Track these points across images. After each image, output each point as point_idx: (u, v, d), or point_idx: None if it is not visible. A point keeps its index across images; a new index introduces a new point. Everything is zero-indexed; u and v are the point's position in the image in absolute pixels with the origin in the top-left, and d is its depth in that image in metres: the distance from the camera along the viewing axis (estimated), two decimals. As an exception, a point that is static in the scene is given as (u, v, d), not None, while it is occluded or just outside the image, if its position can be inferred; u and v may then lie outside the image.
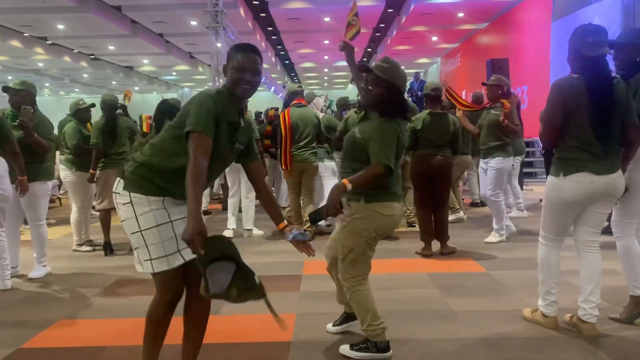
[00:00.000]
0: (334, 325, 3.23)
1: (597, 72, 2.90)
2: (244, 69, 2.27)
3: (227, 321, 3.51)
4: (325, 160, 6.35)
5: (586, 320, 3.05)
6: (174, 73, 29.92)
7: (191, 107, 2.22)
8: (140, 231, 2.27)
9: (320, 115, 6.54)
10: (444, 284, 4.14)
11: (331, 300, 3.77)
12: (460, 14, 18.35)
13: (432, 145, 5.02)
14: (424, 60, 27.91)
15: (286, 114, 5.84)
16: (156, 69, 28.30)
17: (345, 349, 2.88)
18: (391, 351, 2.81)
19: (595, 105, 2.86)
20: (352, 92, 29.56)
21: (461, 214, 6.94)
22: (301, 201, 6.20)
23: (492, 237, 5.64)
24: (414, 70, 31.91)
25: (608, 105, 2.89)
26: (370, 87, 2.74)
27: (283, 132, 5.80)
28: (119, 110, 5.68)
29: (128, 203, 2.29)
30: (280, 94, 23.13)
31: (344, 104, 7.46)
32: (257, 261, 5.03)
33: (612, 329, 3.13)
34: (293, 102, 6.00)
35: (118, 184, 2.35)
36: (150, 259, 2.28)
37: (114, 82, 31.17)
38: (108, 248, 5.42)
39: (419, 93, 13.34)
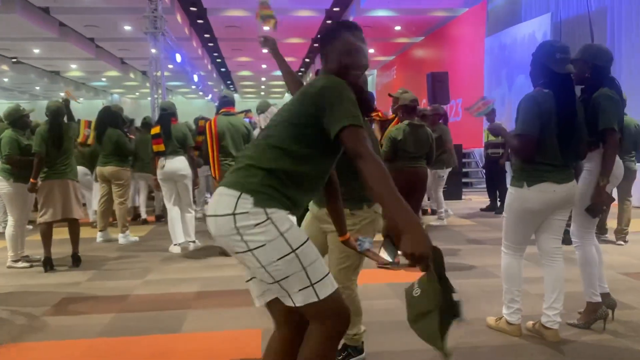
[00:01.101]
0: None
1: (566, 89, 3.02)
2: (356, 51, 1.99)
3: (190, 340, 3.35)
4: None
5: (549, 326, 3.14)
6: (104, 79, 28.79)
7: (330, 100, 1.81)
8: (294, 251, 1.81)
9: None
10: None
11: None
12: (397, 28, 18.84)
13: (411, 156, 5.03)
14: (360, 71, 28.35)
15: (212, 123, 5.60)
16: (84, 75, 27.11)
17: None
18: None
19: (563, 121, 2.98)
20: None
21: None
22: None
23: None
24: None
25: (573, 121, 3.02)
26: None
27: (209, 142, 5.54)
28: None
29: (266, 221, 1.79)
30: (217, 102, 22.75)
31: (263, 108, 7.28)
32: (212, 276, 4.89)
33: (571, 335, 3.24)
34: (221, 110, 5.81)
35: (239, 202, 1.79)
36: (312, 285, 1.82)
37: (37, 88, 29.61)
38: (49, 264, 5.09)
39: None
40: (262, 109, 6.43)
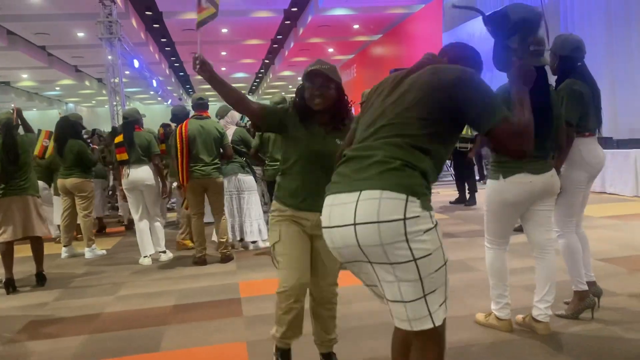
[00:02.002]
0: None
1: (538, 82, 2.98)
2: None
3: (170, 359, 3.18)
4: (240, 175, 6.08)
5: (541, 320, 3.11)
6: (58, 88, 27.89)
7: (475, 94, 1.76)
8: (445, 263, 1.72)
9: (231, 129, 6.24)
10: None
11: (282, 323, 3.57)
12: (356, 26, 18.86)
13: None
14: (320, 71, 28.33)
15: (183, 127, 5.42)
16: (37, 84, 26.21)
17: None
18: None
19: (537, 112, 2.94)
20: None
21: None
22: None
23: None
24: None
25: (548, 112, 3.00)
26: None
27: (178, 146, 5.35)
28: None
29: (434, 228, 1.68)
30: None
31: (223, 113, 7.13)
32: (188, 287, 4.70)
33: (561, 326, 3.22)
34: (193, 114, 5.65)
35: (408, 206, 1.62)
36: (445, 301, 1.75)
37: (-14, 100, 28.43)
38: (11, 285, 4.79)
39: None
40: (222, 113, 6.23)
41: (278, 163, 5.36)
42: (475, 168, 10.61)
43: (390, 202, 1.63)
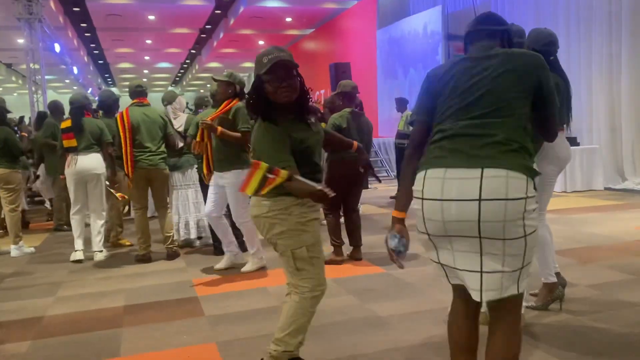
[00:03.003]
0: None
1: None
2: None
3: (137, 363, 2.92)
4: (197, 167, 5.79)
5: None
6: (-39, 74, 25.69)
7: (550, 81, 1.94)
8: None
9: (181, 116, 5.94)
10: (354, 288, 4.01)
11: (247, 322, 3.41)
12: (288, 19, 18.71)
13: None
14: (248, 64, 27.91)
15: (124, 115, 5.08)
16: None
17: None
18: None
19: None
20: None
21: None
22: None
23: (251, 266, 4.69)
24: (241, 74, 31.81)
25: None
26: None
27: (122, 135, 5.02)
28: None
29: (537, 207, 1.84)
30: (97, 97, 21.19)
31: (199, 103, 6.86)
32: (137, 286, 4.39)
33: (532, 318, 3.26)
34: (133, 101, 5.32)
35: (528, 186, 1.76)
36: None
37: None
38: None
39: None
40: (170, 99, 5.89)
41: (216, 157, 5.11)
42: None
43: (516, 182, 1.75)
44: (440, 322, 3.26)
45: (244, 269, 4.66)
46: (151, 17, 17.62)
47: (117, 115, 5.22)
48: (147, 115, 5.15)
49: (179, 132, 5.56)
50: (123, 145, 5.03)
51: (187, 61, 28.02)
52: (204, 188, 5.35)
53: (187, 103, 7.54)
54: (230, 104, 4.51)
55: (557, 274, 3.50)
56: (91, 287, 4.42)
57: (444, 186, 1.80)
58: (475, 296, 1.86)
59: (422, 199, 1.86)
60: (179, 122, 5.70)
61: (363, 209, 7.72)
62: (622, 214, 6.47)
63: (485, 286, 1.84)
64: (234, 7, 17.95)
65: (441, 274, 2.01)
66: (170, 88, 34.98)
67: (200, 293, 4.12)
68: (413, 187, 1.92)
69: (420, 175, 1.89)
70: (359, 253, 4.98)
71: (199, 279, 4.50)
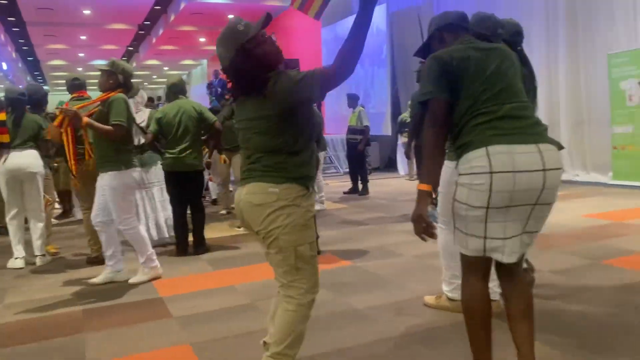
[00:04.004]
0: None
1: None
2: None
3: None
4: (154, 168, 5.54)
5: (492, 298, 3.15)
6: None
7: None
8: None
9: (143, 111, 5.66)
10: (326, 283, 3.92)
11: (220, 322, 3.28)
12: (231, 16, 18.36)
13: None
14: (189, 61, 27.31)
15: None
16: None
17: None
18: None
19: None
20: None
21: None
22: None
23: (141, 276, 4.26)
24: (179, 72, 31.11)
25: None
26: None
27: (63, 132, 4.70)
28: None
29: None
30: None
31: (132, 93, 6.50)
32: (91, 290, 4.14)
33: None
34: (73, 95, 5.02)
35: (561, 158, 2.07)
36: None
37: None
38: None
39: (219, 90, 12.90)
40: (133, 93, 5.60)
41: (177, 151, 4.94)
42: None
43: (558, 154, 2.06)
44: (418, 312, 3.26)
45: (133, 280, 4.20)
46: (86, 12, 16.86)
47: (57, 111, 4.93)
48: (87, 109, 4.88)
49: (140, 128, 5.30)
50: (65, 142, 4.72)
51: (124, 58, 27.03)
52: (168, 185, 5.15)
53: (159, 98, 7.24)
54: (109, 95, 4.07)
55: (526, 260, 3.57)
56: (41, 293, 4.12)
57: (515, 159, 1.96)
58: (510, 259, 2.06)
59: (492, 172, 1.96)
60: (141, 117, 5.42)
61: (326, 205, 7.68)
62: (569, 204, 6.73)
63: (520, 247, 2.08)
64: (175, 3, 17.47)
65: (472, 248, 2.08)
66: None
67: (163, 294, 3.93)
68: (472, 164, 2.00)
69: (479, 153, 1.99)
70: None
71: (159, 281, 4.30)
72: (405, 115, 10.14)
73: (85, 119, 3.98)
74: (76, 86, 5.04)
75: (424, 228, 2.09)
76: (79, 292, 4.07)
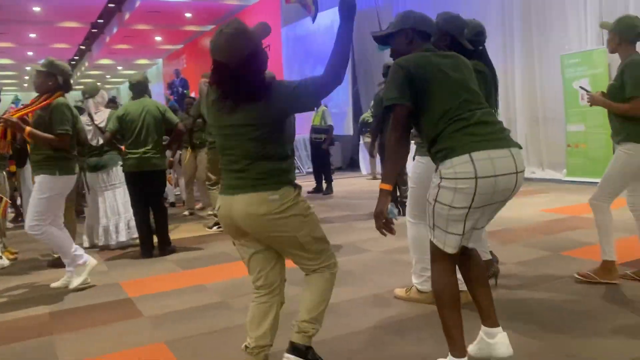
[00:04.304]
0: None
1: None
2: None
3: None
4: (114, 169, 5.43)
5: (460, 289, 3.26)
6: None
7: None
8: None
9: (103, 111, 5.52)
10: (295, 279, 3.90)
11: (193, 320, 3.27)
12: (188, 14, 18.13)
13: None
14: (143, 61, 26.75)
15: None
16: None
17: None
18: None
19: None
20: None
21: None
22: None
23: (77, 278, 4.03)
24: (134, 72, 30.43)
25: None
26: None
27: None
28: None
29: None
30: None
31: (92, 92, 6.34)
32: (56, 292, 4.05)
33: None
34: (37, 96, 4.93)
35: None
36: None
37: None
38: None
39: (180, 89, 12.68)
40: (91, 92, 5.46)
41: (141, 151, 4.87)
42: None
43: (522, 157, 2.28)
44: (388, 305, 3.32)
45: (73, 285, 3.99)
46: (36, 9, 16.27)
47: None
48: None
49: (99, 128, 5.19)
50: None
51: (75, 57, 26.25)
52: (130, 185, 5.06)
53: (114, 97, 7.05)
54: (50, 99, 3.91)
55: (491, 252, 3.70)
56: (3, 297, 3.99)
57: (495, 164, 2.13)
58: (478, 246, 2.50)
59: (477, 177, 2.10)
60: (101, 117, 5.28)
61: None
62: (528, 200, 6.97)
63: (476, 237, 2.45)
64: (130, 1, 17.07)
65: (452, 245, 2.23)
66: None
67: (132, 294, 3.87)
68: (456, 170, 2.13)
69: (464, 159, 2.12)
70: None
71: (127, 281, 4.23)
72: (367, 115, 10.27)
73: (28, 129, 3.85)
74: None
75: (384, 224, 2.23)
76: (43, 295, 3.96)
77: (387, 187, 2.25)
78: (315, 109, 9.01)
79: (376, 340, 2.81)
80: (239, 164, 2.19)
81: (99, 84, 6.49)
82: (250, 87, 2.14)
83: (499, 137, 2.20)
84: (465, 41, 3.11)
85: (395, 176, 2.34)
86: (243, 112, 2.16)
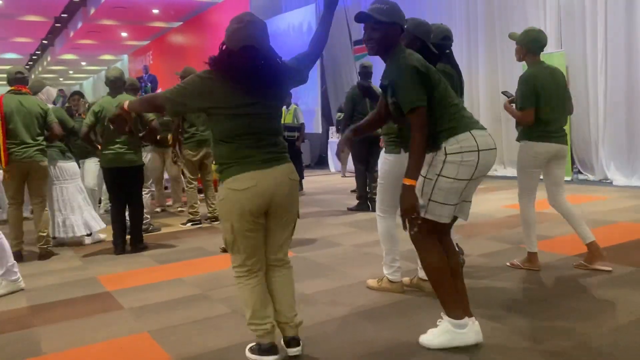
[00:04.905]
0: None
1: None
2: None
3: (69, 358, 2.77)
4: (60, 162, 5.41)
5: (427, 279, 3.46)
6: None
7: None
8: None
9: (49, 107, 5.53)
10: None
11: (174, 311, 3.39)
12: (155, 10, 17.97)
13: None
14: (108, 56, 26.32)
15: None
16: None
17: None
18: (278, 355, 2.53)
19: None
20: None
21: None
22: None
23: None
24: (98, 67, 29.91)
25: None
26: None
27: None
28: None
29: None
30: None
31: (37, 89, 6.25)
32: (37, 285, 4.10)
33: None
34: (11, 89, 4.95)
35: None
36: None
37: None
38: None
39: (149, 84, 12.59)
40: (36, 89, 5.40)
41: (117, 147, 4.93)
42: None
43: None
44: (360, 294, 3.50)
45: None
46: (-1, 2, 15.91)
47: None
48: (22, 104, 4.86)
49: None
50: None
51: (37, 52, 25.65)
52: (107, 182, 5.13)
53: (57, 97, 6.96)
54: None
55: (457, 245, 3.92)
56: (-21, 292, 4.01)
57: (487, 140, 2.54)
58: (465, 217, 2.73)
59: (479, 150, 2.48)
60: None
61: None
62: (490, 196, 7.28)
63: (467, 210, 2.72)
64: (95, -5, 16.85)
65: (447, 215, 2.54)
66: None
67: (110, 288, 3.95)
68: (461, 144, 2.49)
69: (467, 135, 2.50)
70: None
71: (105, 275, 4.30)
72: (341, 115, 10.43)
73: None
74: (19, 80, 4.99)
75: (414, 218, 2.45)
76: (19, 291, 4.00)
77: (413, 182, 2.44)
78: (286, 107, 9.15)
79: (351, 327, 2.98)
80: (268, 140, 2.44)
81: (61, 79, 6.46)
82: (279, 68, 2.45)
83: (478, 121, 2.63)
84: (431, 46, 3.31)
85: (419, 172, 2.53)
86: (271, 92, 2.46)
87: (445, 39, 3.78)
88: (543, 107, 3.68)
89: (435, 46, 3.70)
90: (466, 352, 2.53)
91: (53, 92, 5.89)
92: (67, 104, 6.84)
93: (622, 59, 7.71)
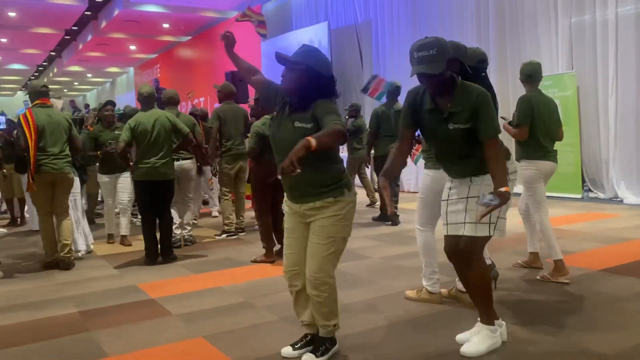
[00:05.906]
0: (294, 349, 2.87)
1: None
2: None
3: (132, 361, 2.90)
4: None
5: (465, 291, 3.61)
6: None
7: None
8: None
9: None
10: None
11: (223, 317, 3.52)
12: (165, 25, 18.26)
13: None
14: (114, 69, 26.59)
15: (28, 116, 4.89)
16: None
17: (310, 357, 2.76)
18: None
19: None
20: (21, 98, 25.75)
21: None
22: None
23: None
24: (103, 79, 30.15)
25: None
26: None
27: (29, 136, 4.83)
28: None
29: None
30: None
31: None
32: (81, 293, 4.22)
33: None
34: (35, 103, 5.09)
35: None
36: None
37: None
38: None
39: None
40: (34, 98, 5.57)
41: (152, 162, 5.07)
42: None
43: None
44: (400, 305, 3.64)
45: None
46: (12, 14, 16.12)
47: (21, 116, 5.00)
48: (51, 117, 5.02)
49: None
50: (31, 148, 4.82)
51: (44, 63, 25.87)
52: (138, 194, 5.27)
53: (87, 105, 7.09)
54: None
55: (488, 258, 4.07)
56: (16, 299, 4.13)
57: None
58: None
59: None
60: None
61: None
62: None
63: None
64: (107, 10, 17.09)
65: (505, 229, 3.01)
66: (19, 93, 32.00)
67: (153, 295, 4.08)
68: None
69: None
70: None
71: (145, 284, 4.43)
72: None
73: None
74: (43, 93, 5.13)
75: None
76: (66, 297, 4.12)
77: (507, 187, 2.67)
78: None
79: (395, 335, 3.12)
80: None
81: (65, 90, 6.59)
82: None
83: None
84: (468, 68, 3.49)
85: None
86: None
87: (481, 62, 3.95)
88: (539, 126, 4.10)
89: (471, 69, 3.90)
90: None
91: (59, 104, 6.05)
92: (77, 114, 6.92)
93: (633, 79, 7.92)
